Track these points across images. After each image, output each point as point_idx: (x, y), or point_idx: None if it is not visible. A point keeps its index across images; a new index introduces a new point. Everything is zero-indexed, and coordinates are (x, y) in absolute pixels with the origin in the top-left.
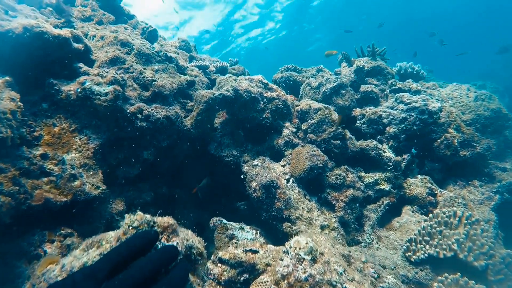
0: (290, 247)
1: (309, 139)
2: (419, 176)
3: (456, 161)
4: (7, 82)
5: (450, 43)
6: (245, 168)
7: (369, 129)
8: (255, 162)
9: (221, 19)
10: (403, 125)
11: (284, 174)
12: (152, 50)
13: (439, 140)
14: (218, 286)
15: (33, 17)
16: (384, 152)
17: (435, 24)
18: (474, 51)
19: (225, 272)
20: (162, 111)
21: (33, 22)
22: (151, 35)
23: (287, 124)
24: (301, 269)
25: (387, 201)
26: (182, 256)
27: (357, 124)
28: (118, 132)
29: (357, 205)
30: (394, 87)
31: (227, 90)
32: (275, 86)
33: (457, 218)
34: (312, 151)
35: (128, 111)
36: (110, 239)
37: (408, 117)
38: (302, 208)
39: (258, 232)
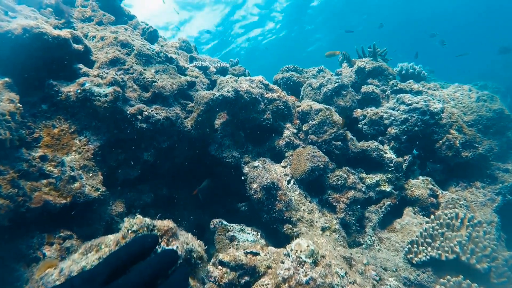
0: (291, 250)
1: (310, 140)
2: (421, 177)
3: (458, 162)
4: (6, 83)
5: (450, 43)
6: (246, 169)
7: (370, 130)
8: (256, 163)
9: (220, 19)
10: (404, 126)
11: (285, 176)
12: (153, 51)
13: (440, 141)
14: None
15: (33, 18)
16: (386, 153)
17: (435, 24)
18: (474, 51)
19: (225, 275)
20: (162, 112)
21: (33, 23)
22: (151, 35)
23: (288, 125)
24: (302, 272)
25: (389, 203)
26: (182, 260)
27: (358, 125)
28: (118, 134)
29: (358, 206)
30: (395, 87)
31: (227, 91)
32: (276, 87)
33: (459, 220)
34: (313, 152)
35: (128, 112)
36: (109, 242)
37: (409, 118)
38: (303, 209)
39: (258, 233)
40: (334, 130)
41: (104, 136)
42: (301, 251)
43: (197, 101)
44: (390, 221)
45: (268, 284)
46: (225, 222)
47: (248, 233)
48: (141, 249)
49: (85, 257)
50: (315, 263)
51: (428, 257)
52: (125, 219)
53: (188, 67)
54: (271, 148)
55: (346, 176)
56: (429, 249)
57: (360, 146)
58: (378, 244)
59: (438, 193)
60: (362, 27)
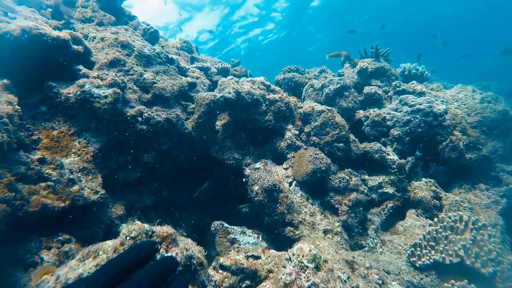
0: (293, 254)
1: (312, 142)
2: (424, 179)
3: (461, 164)
4: (5, 85)
5: (451, 43)
6: (247, 171)
7: (372, 131)
8: (257, 165)
9: (220, 19)
10: (407, 127)
11: (286, 178)
12: (153, 52)
13: (444, 143)
14: None
15: (32, 19)
16: (388, 154)
17: (436, 24)
18: (474, 51)
19: (226, 279)
20: (162, 113)
21: (32, 24)
22: (152, 36)
23: (290, 126)
24: (304, 278)
25: (391, 205)
26: (182, 267)
27: (360, 126)
28: (118, 135)
29: (361, 208)
30: (398, 88)
31: (228, 92)
32: (277, 88)
33: (463, 223)
34: (315, 154)
35: (128, 114)
36: (107, 249)
37: (412, 119)
38: (305, 212)
39: (260, 236)
40: (336, 131)
41: (104, 138)
42: (303, 256)
43: (198, 102)
44: (393, 223)
45: None
46: (226, 224)
47: (249, 236)
48: (140, 256)
49: (83, 264)
50: (317, 268)
51: (431, 260)
52: (123, 225)
53: (189, 68)
54: (272, 150)
55: (348, 178)
56: (433, 252)
57: (363, 147)
58: (381, 247)
59: (441, 195)
60: (363, 27)
